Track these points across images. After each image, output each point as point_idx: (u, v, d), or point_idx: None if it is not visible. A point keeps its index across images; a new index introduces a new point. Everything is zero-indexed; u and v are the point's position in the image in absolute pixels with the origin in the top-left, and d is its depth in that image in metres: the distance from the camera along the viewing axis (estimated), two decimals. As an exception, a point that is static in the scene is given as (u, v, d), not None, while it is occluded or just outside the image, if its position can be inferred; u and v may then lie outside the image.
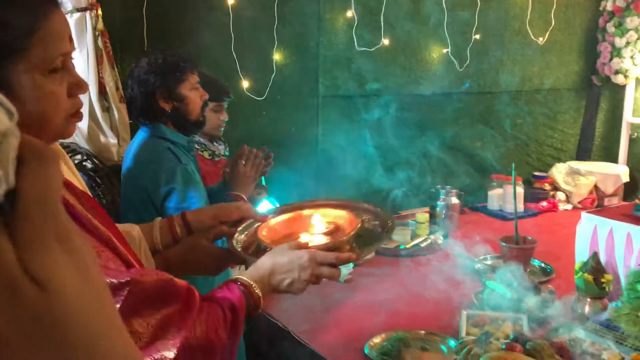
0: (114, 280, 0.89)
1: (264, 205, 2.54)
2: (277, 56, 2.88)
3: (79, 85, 0.95)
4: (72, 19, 2.15)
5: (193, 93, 2.06)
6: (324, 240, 1.42)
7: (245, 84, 2.81)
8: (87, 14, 2.18)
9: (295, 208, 1.64)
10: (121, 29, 2.52)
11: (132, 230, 1.38)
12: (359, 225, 1.43)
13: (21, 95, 0.86)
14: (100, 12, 2.25)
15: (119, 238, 1.04)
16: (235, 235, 1.46)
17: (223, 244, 1.58)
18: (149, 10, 2.56)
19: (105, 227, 0.98)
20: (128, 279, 0.90)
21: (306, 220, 1.55)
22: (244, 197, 2.07)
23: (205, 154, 2.45)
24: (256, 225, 1.52)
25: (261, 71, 2.85)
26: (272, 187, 2.59)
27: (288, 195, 2.74)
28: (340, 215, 1.53)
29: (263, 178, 2.43)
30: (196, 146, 2.39)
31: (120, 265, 0.96)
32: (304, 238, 1.43)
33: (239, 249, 1.42)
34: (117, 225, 1.40)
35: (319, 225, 1.51)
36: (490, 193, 3.51)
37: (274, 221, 1.54)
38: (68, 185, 1.01)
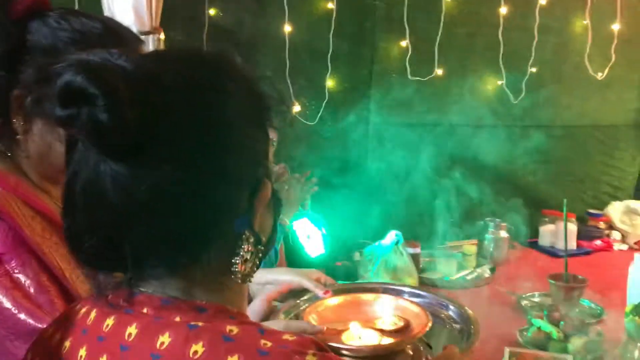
0: (30, 321, 0.84)
1: (304, 223, 2.56)
2: (329, 83, 2.93)
3: None
4: (136, 42, 2.26)
5: None
6: (375, 338, 1.14)
7: (297, 108, 2.86)
8: (150, 37, 2.28)
9: (358, 289, 1.38)
10: (182, 52, 2.62)
11: None
12: (428, 327, 1.16)
13: None
14: (162, 36, 2.35)
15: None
16: (280, 317, 1.24)
17: None
18: (208, 34, 2.66)
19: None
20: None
21: (366, 307, 1.28)
22: (287, 221, 2.10)
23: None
24: (306, 306, 1.28)
25: (313, 97, 2.90)
26: (319, 213, 2.61)
27: (334, 220, 2.76)
28: (411, 310, 1.24)
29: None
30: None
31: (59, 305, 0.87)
32: (352, 331, 1.16)
33: None
34: None
35: (384, 318, 1.23)
36: (541, 229, 3.43)
37: (327, 303, 1.28)
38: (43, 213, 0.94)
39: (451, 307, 1.35)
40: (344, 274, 2.71)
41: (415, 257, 2.78)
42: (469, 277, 2.75)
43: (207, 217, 0.62)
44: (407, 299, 1.29)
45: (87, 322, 0.67)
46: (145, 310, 0.63)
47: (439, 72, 3.16)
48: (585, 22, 3.54)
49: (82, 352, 0.65)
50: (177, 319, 0.61)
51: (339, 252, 2.85)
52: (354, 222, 2.91)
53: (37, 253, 0.88)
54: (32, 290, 0.85)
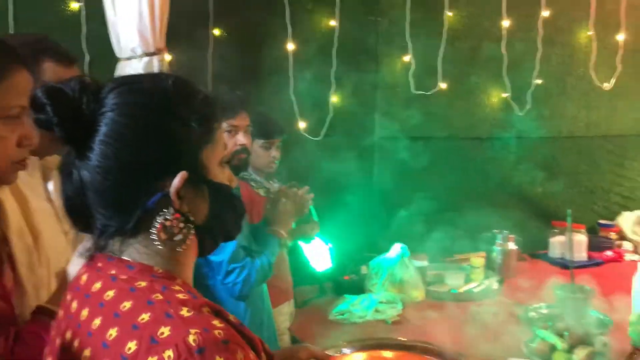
0: None
1: (317, 243, 2.57)
2: (334, 98, 2.96)
3: (28, 138, 1.08)
4: (140, 63, 2.31)
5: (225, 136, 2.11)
6: None
7: (302, 124, 2.90)
8: (155, 58, 2.33)
9: (373, 346, 1.45)
10: (187, 72, 2.67)
11: None
12: None
13: None
14: (168, 57, 2.40)
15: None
16: None
17: None
18: (214, 54, 2.72)
19: None
20: None
21: None
22: (284, 233, 2.12)
23: (261, 191, 2.52)
24: None
25: (318, 112, 2.94)
26: (326, 227, 2.62)
27: (340, 234, 2.77)
28: None
29: (314, 213, 2.46)
30: (252, 183, 2.47)
31: None
32: None
33: None
34: None
35: None
36: (551, 240, 3.41)
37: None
38: None
39: None
40: (351, 288, 2.72)
41: (421, 270, 2.78)
42: (476, 290, 2.74)
43: (124, 195, 0.83)
44: (428, 357, 1.38)
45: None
46: (99, 265, 0.86)
47: (443, 85, 3.18)
48: (589, 33, 3.55)
49: (68, 293, 0.91)
50: (112, 272, 0.83)
51: (345, 266, 2.86)
52: (360, 236, 2.93)
53: None
54: None
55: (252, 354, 0.76)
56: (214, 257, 1.95)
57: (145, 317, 0.74)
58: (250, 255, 2.02)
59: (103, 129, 0.82)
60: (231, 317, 0.78)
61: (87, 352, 0.77)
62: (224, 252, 1.94)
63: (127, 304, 0.77)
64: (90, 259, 0.89)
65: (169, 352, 0.69)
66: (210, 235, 0.91)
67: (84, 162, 0.83)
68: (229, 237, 0.96)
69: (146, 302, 0.76)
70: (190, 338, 0.70)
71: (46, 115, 0.80)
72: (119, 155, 0.81)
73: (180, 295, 0.79)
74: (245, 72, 2.78)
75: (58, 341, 0.88)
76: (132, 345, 0.72)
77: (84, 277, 0.87)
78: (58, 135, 0.81)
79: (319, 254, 2.65)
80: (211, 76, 2.72)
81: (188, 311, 0.74)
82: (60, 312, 0.92)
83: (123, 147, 0.81)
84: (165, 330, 0.72)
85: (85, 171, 0.83)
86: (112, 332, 0.75)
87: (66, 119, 0.81)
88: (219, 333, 0.72)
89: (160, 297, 0.77)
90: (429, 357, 1.38)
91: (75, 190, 0.84)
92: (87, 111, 0.82)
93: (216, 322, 0.74)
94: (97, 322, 0.78)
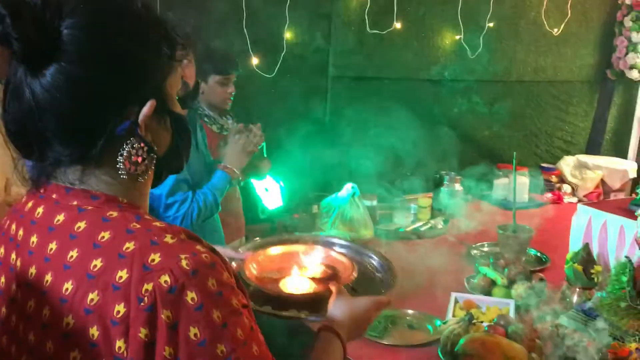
0: None
1: (268, 182, 2.58)
2: (288, 35, 2.90)
3: None
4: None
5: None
6: (308, 285, 1.36)
7: (255, 60, 2.84)
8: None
9: (285, 241, 1.57)
10: None
11: None
12: (355, 276, 1.35)
13: None
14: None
15: None
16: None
17: None
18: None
19: None
20: None
21: (300, 257, 1.47)
22: (236, 170, 2.09)
23: (214, 127, 2.49)
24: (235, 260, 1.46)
25: (272, 49, 2.87)
26: (277, 164, 2.62)
27: (291, 172, 2.78)
28: (340, 260, 1.43)
29: (265, 151, 2.45)
30: (205, 119, 2.43)
31: None
32: (288, 279, 1.38)
33: None
34: None
35: (315, 268, 1.41)
36: (496, 182, 3.52)
37: (267, 253, 1.48)
38: None
39: (375, 257, 1.54)
40: (301, 226, 2.76)
41: (371, 209, 2.84)
42: (423, 229, 2.82)
43: (91, 120, 0.79)
44: (337, 251, 1.50)
45: (22, 203, 0.88)
46: (54, 196, 0.83)
47: (398, 25, 3.16)
48: (543, -23, 3.58)
49: (14, 226, 0.86)
50: (74, 203, 0.81)
51: (296, 205, 2.89)
52: (311, 175, 2.94)
53: None
54: None
55: (230, 275, 0.78)
56: (155, 190, 1.90)
57: (129, 245, 0.74)
58: (193, 190, 1.98)
59: (69, 47, 0.76)
60: (205, 242, 0.79)
61: (68, 285, 0.75)
62: (164, 185, 1.88)
63: (105, 235, 0.76)
64: (37, 188, 0.85)
65: (165, 277, 0.71)
66: (165, 166, 0.90)
67: (38, 79, 0.76)
68: (178, 169, 0.94)
69: (125, 231, 0.76)
70: (183, 262, 0.72)
71: (3, 27, 0.73)
72: (87, 77, 0.77)
73: (157, 224, 0.79)
74: (195, 3, 2.68)
75: (3, 279, 0.84)
76: (122, 274, 0.72)
77: (40, 210, 0.83)
78: (16, 50, 0.74)
79: (270, 193, 2.66)
80: (159, 7, 2.60)
81: (172, 238, 0.76)
82: (0, 250, 0.87)
83: (91, 69, 0.77)
84: (155, 257, 0.73)
85: (42, 89, 0.76)
86: (97, 263, 0.74)
87: (27, 34, 0.74)
88: (205, 257, 0.74)
89: (138, 225, 0.77)
90: (336, 249, 1.53)
91: (27, 111, 0.78)
92: (50, 26, 0.76)
93: (199, 247, 0.76)
94: (73, 254, 0.76)
